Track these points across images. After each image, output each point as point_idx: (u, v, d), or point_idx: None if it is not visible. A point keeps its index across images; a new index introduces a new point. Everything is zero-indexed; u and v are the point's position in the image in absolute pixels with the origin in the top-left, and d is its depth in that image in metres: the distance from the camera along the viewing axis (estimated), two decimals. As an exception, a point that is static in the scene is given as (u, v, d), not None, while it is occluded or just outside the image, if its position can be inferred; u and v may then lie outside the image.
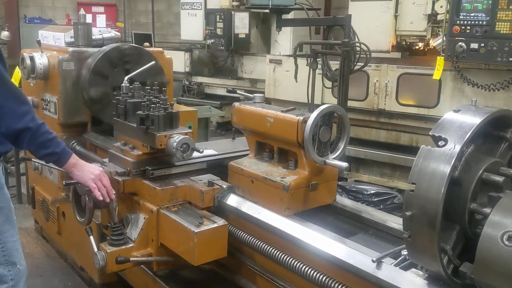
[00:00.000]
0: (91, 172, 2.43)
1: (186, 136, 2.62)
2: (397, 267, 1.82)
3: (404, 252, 1.84)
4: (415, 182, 1.59)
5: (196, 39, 10.37)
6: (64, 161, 2.29)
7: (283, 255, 2.20)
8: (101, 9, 11.98)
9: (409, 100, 5.69)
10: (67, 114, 3.84)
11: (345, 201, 2.56)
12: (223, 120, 9.22)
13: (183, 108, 4.85)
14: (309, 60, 4.83)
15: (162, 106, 2.68)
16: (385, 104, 5.78)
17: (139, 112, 2.66)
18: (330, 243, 2.05)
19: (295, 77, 5.13)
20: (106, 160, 3.03)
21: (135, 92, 2.94)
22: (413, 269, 1.80)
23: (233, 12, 9.03)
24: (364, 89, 5.90)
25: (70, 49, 3.80)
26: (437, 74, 5.25)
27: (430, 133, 1.65)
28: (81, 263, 3.84)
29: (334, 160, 2.29)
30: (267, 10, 9.52)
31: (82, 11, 3.94)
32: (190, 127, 4.66)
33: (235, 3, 9.47)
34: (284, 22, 4.68)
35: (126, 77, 3.21)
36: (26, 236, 4.69)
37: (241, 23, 9.16)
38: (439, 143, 1.59)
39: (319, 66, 5.42)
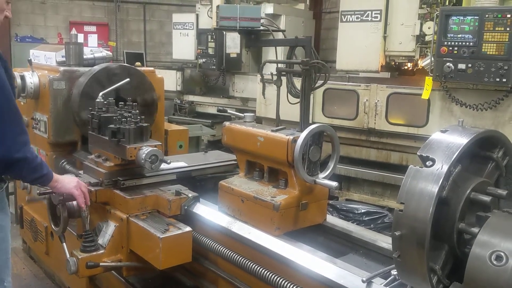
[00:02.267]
0: (71, 182, 2.56)
1: (155, 148, 2.75)
2: (387, 287, 1.82)
3: (394, 272, 1.84)
4: (403, 202, 1.60)
5: (188, 58, 10.43)
6: (49, 180, 2.39)
7: (272, 275, 2.19)
8: (93, 28, 12.02)
9: (398, 119, 5.74)
10: (57, 133, 3.83)
11: (335, 220, 2.56)
12: (214, 139, 9.23)
13: (174, 127, 4.87)
14: (273, 78, 5.01)
15: (133, 120, 2.80)
16: (375, 123, 5.82)
17: (111, 125, 2.79)
18: (320, 264, 2.04)
19: (263, 94, 5.27)
20: (81, 172, 3.16)
21: (109, 107, 3.06)
22: (403, 289, 1.80)
23: (224, 32, 9.11)
24: (354, 108, 5.95)
25: (61, 68, 3.81)
26: (426, 94, 5.32)
27: (417, 153, 1.67)
28: (69, 284, 3.78)
29: (324, 180, 2.30)
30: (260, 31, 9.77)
31: (74, 31, 3.96)
32: (181, 146, 4.68)
33: (226, 23, 9.55)
34: (252, 42, 4.86)
35: (101, 93, 3.25)
36: (14, 256, 4.61)
37: (233, 43, 9.24)
38: (427, 163, 1.61)
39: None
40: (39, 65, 4.07)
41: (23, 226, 4.58)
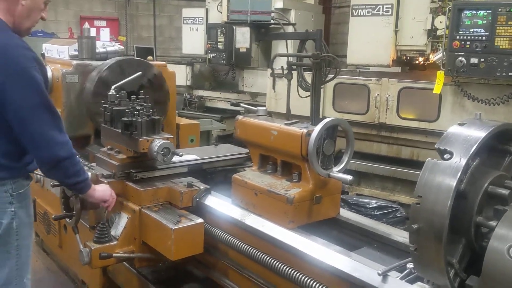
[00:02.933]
0: (106, 190, 2.64)
1: (167, 141, 2.76)
2: (403, 281, 1.82)
3: (410, 265, 1.84)
4: (421, 195, 1.59)
5: (198, 53, 10.43)
6: (89, 186, 2.45)
7: (286, 268, 2.19)
8: (104, 23, 12.06)
9: (410, 114, 5.71)
10: (71, 127, 3.85)
11: (349, 214, 2.56)
12: (224, 133, 9.25)
13: (185, 121, 4.88)
14: (283, 72, 5.00)
15: (145, 113, 2.81)
16: (386, 118, 5.80)
17: (124, 118, 2.81)
18: (335, 256, 2.05)
19: (273, 88, 5.25)
20: (93, 164, 3.18)
21: (122, 100, 3.07)
22: (419, 283, 1.80)
23: (234, 27, 9.10)
24: (365, 103, 5.93)
25: (74, 62, 3.84)
26: (437, 89, 5.28)
27: (435, 146, 1.66)
28: (82, 277, 3.82)
29: (338, 173, 2.30)
30: (270, 25, 9.73)
31: (86, 25, 3.98)
32: (192, 140, 4.70)
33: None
34: (261, 36, 4.89)
35: (113, 86, 3.27)
36: (26, 249, 4.66)
37: (242, 38, 9.20)
38: (445, 156, 1.60)
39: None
40: (52, 59, 4.09)
41: (36, 219, 4.62)
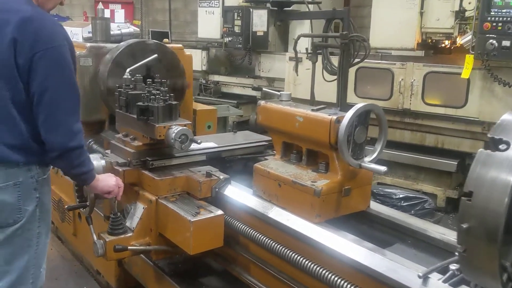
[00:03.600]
0: (111, 180, 2.48)
1: (185, 127, 2.62)
2: (446, 284, 1.64)
3: (453, 266, 1.67)
4: (472, 190, 1.41)
5: (214, 37, 10.21)
6: (93, 177, 2.33)
7: (313, 265, 2.03)
8: (119, 7, 11.90)
9: (435, 99, 5.48)
10: (84, 112, 3.63)
11: (379, 207, 2.39)
12: (240, 119, 9.08)
13: (202, 107, 4.73)
14: (308, 54, 4.76)
15: (161, 97, 2.67)
16: (410, 103, 5.57)
17: (139, 103, 2.66)
18: (368, 255, 1.88)
19: (296, 71, 5.02)
20: (108, 151, 3.05)
21: (137, 84, 2.92)
22: (464, 286, 1.63)
23: (251, 10, 8.86)
24: (389, 88, 5.70)
25: (88, 44, 3.69)
26: (466, 73, 5.03)
27: (488, 135, 1.47)
28: (97, 267, 3.72)
29: (370, 164, 2.12)
30: (287, 8, 9.46)
31: (100, 6, 3.82)
32: (209, 127, 4.54)
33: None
34: (283, 16, 4.64)
35: (128, 69, 3.11)
36: (41, 237, 4.58)
37: (260, 21, 8.98)
38: (500, 146, 1.41)
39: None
40: (65, 42, 3.95)
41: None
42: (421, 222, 2.23)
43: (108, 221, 2.97)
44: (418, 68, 5.46)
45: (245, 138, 3.30)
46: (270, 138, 3.31)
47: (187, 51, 6.49)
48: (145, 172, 2.70)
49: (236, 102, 9.73)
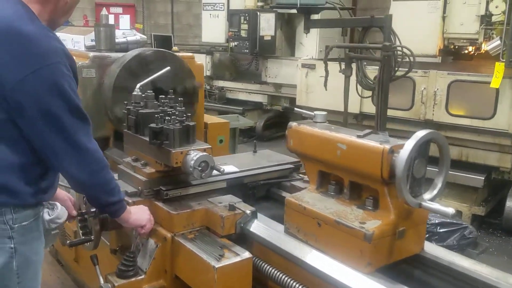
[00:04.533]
0: (145, 214, 2.26)
1: (205, 154, 2.28)
2: None
3: None
4: None
5: (218, 41, 9.90)
6: (124, 209, 2.08)
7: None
8: (120, 10, 11.58)
9: (460, 110, 5.13)
10: None
11: (435, 249, 2.04)
12: (245, 127, 8.74)
13: (214, 119, 4.38)
14: (342, 66, 4.34)
15: (178, 118, 2.33)
16: (433, 114, 5.23)
17: (152, 125, 2.32)
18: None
19: (325, 85, 4.63)
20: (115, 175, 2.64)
21: (148, 102, 2.57)
22: None
23: (258, 13, 8.54)
24: (410, 97, 5.36)
25: (91, 54, 3.35)
26: (495, 82, 4.69)
27: None
28: (101, 299, 3.36)
29: (433, 204, 1.77)
30: (294, 10, 9.11)
31: (104, 11, 3.48)
32: (221, 141, 4.19)
33: (260, 4, 8.97)
34: (313, 23, 4.18)
35: (138, 85, 2.76)
36: (39, 261, 4.23)
37: (267, 25, 8.66)
38: None
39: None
40: (66, 50, 3.60)
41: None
42: (488, 269, 1.87)
43: (115, 254, 2.67)
44: (442, 76, 5.12)
45: (267, 159, 2.96)
46: (295, 160, 2.98)
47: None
48: (158, 204, 2.35)
49: (242, 108, 9.40)
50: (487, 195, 5.49)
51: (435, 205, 1.75)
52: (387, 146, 1.81)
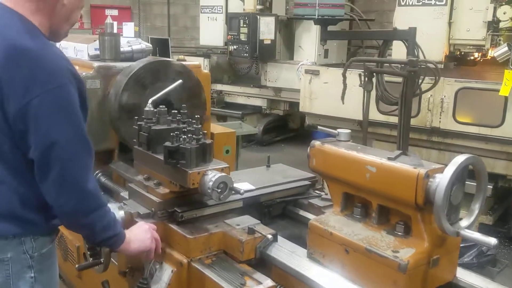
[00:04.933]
0: (145, 232, 2.07)
1: (223, 174, 2.16)
2: None
3: None
4: None
5: (217, 44, 9.78)
6: (122, 240, 1.93)
7: None
8: (115, 12, 11.42)
9: (468, 118, 5.06)
10: (92, 141, 3.19)
11: (468, 276, 1.94)
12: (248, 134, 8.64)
13: (220, 129, 4.26)
14: (362, 79, 4.21)
15: (194, 136, 2.20)
16: (440, 121, 5.15)
17: (167, 144, 2.18)
18: None
19: (342, 98, 4.51)
20: (126, 201, 2.52)
21: (160, 118, 2.44)
22: None
23: (258, 17, 8.43)
24: (415, 104, 5.27)
25: (95, 64, 3.22)
26: (505, 90, 4.61)
27: None
28: (107, 319, 3.23)
29: (473, 233, 1.67)
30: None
31: (109, 19, 3.34)
32: (228, 151, 4.07)
33: (259, 7, 8.86)
34: (330, 35, 4.04)
35: (151, 100, 2.64)
36: (40, 276, 4.09)
37: (267, 29, 8.55)
38: None
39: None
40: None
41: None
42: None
43: (124, 276, 2.55)
44: (449, 83, 5.04)
45: (282, 175, 2.85)
46: (310, 175, 2.88)
47: (187, 59, 6.04)
48: (173, 227, 2.23)
49: (241, 113, 9.29)
50: (493, 203, 5.43)
51: (475, 234, 1.65)
52: (423, 171, 1.71)
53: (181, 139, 2.18)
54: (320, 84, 5.94)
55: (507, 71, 4.62)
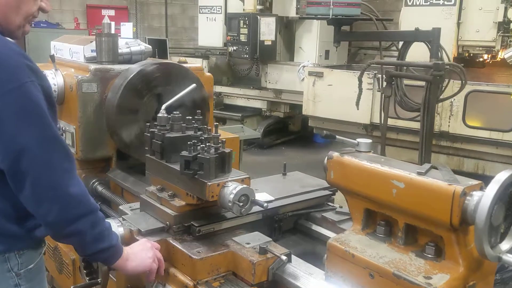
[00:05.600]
0: (146, 251, 1.89)
1: (245, 186, 1.99)
2: None
3: None
4: None
5: (215, 45, 9.62)
6: (118, 256, 1.75)
7: None
8: (112, 12, 11.21)
9: (478, 122, 4.90)
10: (88, 148, 3.07)
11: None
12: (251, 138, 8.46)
13: (224, 134, 4.08)
14: (379, 83, 4.00)
15: (213, 145, 2.02)
16: (449, 125, 4.99)
17: (184, 153, 2.01)
18: None
19: (357, 104, 4.32)
20: (125, 216, 2.32)
21: (174, 125, 2.27)
22: None
23: (258, 17, 8.25)
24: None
25: (92, 66, 3.04)
26: (517, 93, 4.45)
27: None
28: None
29: (519, 258, 1.49)
30: (293, 14, 8.83)
31: (106, 19, 3.16)
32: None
33: (259, 7, 8.68)
34: (344, 36, 3.83)
35: (164, 105, 2.46)
36: None
37: (267, 29, 8.38)
38: None
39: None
40: (63, 61, 3.29)
41: (45, 253, 3.85)
42: None
43: (123, 295, 2.37)
44: (459, 86, 4.86)
45: (300, 184, 2.67)
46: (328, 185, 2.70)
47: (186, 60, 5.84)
48: (176, 245, 2.04)
49: (240, 115, 9.12)
50: (504, 209, 5.27)
51: (520, 260, 1.47)
52: (459, 188, 1.53)
53: (198, 147, 2.01)
54: (324, 87, 5.77)
55: (520, 73, 4.46)
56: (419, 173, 1.66)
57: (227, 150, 2.07)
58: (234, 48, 8.54)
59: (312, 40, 9.14)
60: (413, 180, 1.66)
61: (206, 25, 9.65)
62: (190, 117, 2.29)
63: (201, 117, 2.35)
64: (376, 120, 5.46)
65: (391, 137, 5.38)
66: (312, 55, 9.06)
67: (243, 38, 8.34)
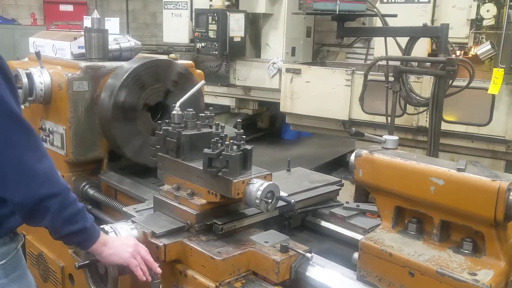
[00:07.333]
0: (126, 246, 1.85)
1: (271, 182, 1.98)
2: None
3: None
4: None
5: (181, 41, 9.41)
6: (94, 240, 1.74)
7: None
8: (70, 7, 10.78)
9: (454, 116, 5.03)
10: (79, 150, 2.91)
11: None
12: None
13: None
14: (386, 78, 4.00)
15: (235, 142, 2.01)
16: (426, 120, 5.08)
17: (207, 150, 1.97)
18: None
19: (360, 100, 4.30)
20: (129, 209, 2.28)
21: (189, 122, 2.21)
22: None
23: (228, 13, 8.14)
24: (402, 104, 5.19)
25: (82, 63, 2.88)
26: (494, 88, 4.60)
27: None
28: None
29: None
30: (259, 10, 8.76)
31: (96, 14, 3.00)
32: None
33: (227, 3, 8.56)
34: (348, 31, 3.82)
35: (178, 103, 2.36)
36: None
37: (237, 25, 8.28)
38: None
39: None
40: (48, 59, 3.09)
41: (26, 260, 3.63)
42: None
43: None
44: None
45: (307, 180, 2.65)
46: (335, 179, 2.69)
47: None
48: (194, 247, 1.96)
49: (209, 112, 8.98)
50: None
51: None
52: (504, 183, 1.53)
53: (219, 144, 1.97)
54: (302, 83, 5.76)
55: (495, 69, 4.61)
56: (459, 170, 1.66)
57: (248, 147, 2.03)
58: (203, 44, 8.39)
59: (278, 36, 9.10)
60: (453, 177, 1.65)
61: (171, 21, 9.43)
62: (203, 114, 2.23)
63: (213, 114, 2.31)
64: (355, 116, 5.52)
65: (369, 132, 5.44)
66: (279, 52, 9.02)
67: (212, 34, 8.20)
